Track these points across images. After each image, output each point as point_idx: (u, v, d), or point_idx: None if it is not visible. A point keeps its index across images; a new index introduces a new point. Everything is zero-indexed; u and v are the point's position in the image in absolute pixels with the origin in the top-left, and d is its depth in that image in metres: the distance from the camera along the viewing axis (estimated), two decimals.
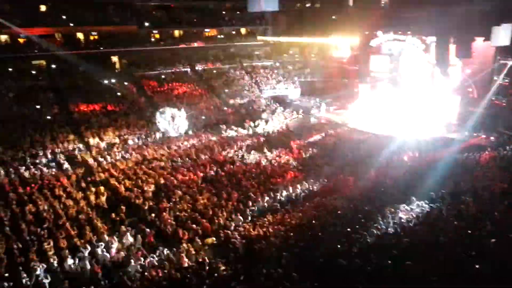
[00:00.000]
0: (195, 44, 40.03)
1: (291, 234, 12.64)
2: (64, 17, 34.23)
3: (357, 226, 12.60)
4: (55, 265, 11.69)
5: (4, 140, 23.58)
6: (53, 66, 33.50)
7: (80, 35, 35.55)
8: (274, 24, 43.95)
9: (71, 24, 34.31)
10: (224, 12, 44.07)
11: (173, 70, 37.52)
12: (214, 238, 13.37)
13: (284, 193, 16.86)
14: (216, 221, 14.41)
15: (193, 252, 12.41)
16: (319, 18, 38.40)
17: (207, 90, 35.91)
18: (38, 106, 28.30)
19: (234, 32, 44.34)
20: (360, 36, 31.35)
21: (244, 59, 42.02)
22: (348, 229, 12.27)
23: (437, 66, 25.89)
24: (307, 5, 43.17)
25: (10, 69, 31.56)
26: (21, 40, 32.64)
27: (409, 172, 18.44)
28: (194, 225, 14.00)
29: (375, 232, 12.19)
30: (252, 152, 23.00)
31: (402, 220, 13.12)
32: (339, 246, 11.06)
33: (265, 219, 14.51)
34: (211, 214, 14.96)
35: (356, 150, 22.73)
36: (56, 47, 33.08)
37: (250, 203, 15.82)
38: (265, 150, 23.27)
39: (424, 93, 27.30)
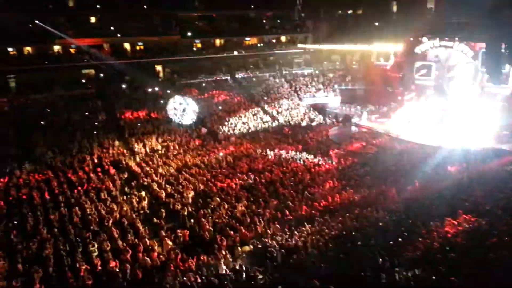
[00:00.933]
0: (236, 53, 40.57)
1: (330, 245, 12.36)
2: (112, 28, 35.88)
3: (400, 240, 12.13)
4: (99, 267, 12.08)
5: (55, 145, 24.94)
6: (101, 75, 35.14)
7: (127, 45, 37.09)
8: (315, 32, 43.77)
9: (118, 35, 35.88)
10: (264, 21, 44.49)
11: (214, 78, 38.23)
12: (251, 246, 13.33)
13: (323, 202, 16.56)
14: (254, 229, 14.38)
15: (231, 259, 12.43)
16: (361, 25, 37.79)
17: (246, 98, 36.21)
18: (86, 113, 29.70)
19: (274, 40, 44.63)
20: (404, 43, 30.51)
21: (284, 67, 42.12)
22: (391, 243, 11.83)
23: (487, 74, 24.63)
24: (349, 11, 42.67)
25: (62, 78, 33.39)
26: (72, 50, 34.52)
27: (456, 185, 17.55)
28: (232, 232, 14.04)
29: (419, 246, 11.66)
30: (290, 160, 22.85)
31: (449, 235, 12.47)
32: (380, 260, 10.68)
33: (304, 228, 14.30)
34: (249, 221, 14.94)
35: (399, 160, 21.99)
36: (104, 57, 34.80)
37: (288, 212, 15.66)
38: (303, 158, 23.04)
39: (472, 101, 26.04)
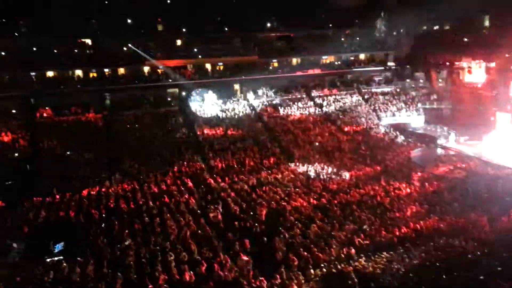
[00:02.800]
0: (312, 71, 40.51)
1: (411, 275, 11.44)
2: (195, 50, 38.08)
3: (493, 275, 10.84)
4: (176, 277, 12.44)
5: (141, 158, 26.76)
6: (183, 93, 37.30)
7: (208, 65, 39.04)
8: (396, 49, 42.11)
9: (200, 56, 37.94)
10: (343, 39, 43.96)
11: (289, 97, 38.48)
12: (324, 269, 12.84)
13: (404, 229, 15.48)
14: (328, 251, 13.86)
15: (303, 281, 12.07)
16: (448, 41, 35.56)
17: (322, 116, 35.75)
18: (169, 129, 31.57)
19: (352, 58, 43.78)
20: (498, 59, 27.99)
21: (362, 85, 40.97)
22: (481, 277, 10.62)
23: None
24: (435, 27, 40.48)
25: (150, 97, 36.03)
26: (159, 71, 37.20)
27: None
28: (305, 253, 13.67)
29: None
30: (369, 182, 21.88)
31: None
32: None
33: (382, 255, 13.44)
34: (323, 243, 14.45)
35: (492, 187, 19.90)
36: (187, 77, 37.01)
37: (365, 236, 14.88)
38: (383, 181, 21.92)
39: None
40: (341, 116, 35.67)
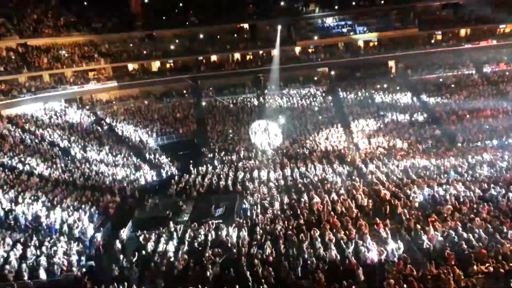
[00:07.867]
0: (485, 43, 34.83)
1: None
2: (347, 27, 36.55)
3: None
4: (321, 252, 12.58)
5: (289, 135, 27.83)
6: (332, 72, 36.60)
7: (360, 43, 37.20)
8: None
9: (351, 34, 36.36)
10: None
11: (454, 73, 34.20)
12: (486, 266, 11.26)
13: None
14: (497, 248, 12.00)
15: (463, 277, 10.81)
16: None
17: (496, 95, 30.65)
18: (316, 108, 31.76)
19: None
20: None
21: None
22: None
23: None
24: None
25: (300, 76, 36.54)
26: (310, 50, 37.21)
27: None
28: (466, 247, 12.13)
29: None
30: None
31: None
32: None
33: None
34: (491, 242, 12.53)
35: None
36: (337, 56, 36.13)
37: None
38: None
39: None
40: None
